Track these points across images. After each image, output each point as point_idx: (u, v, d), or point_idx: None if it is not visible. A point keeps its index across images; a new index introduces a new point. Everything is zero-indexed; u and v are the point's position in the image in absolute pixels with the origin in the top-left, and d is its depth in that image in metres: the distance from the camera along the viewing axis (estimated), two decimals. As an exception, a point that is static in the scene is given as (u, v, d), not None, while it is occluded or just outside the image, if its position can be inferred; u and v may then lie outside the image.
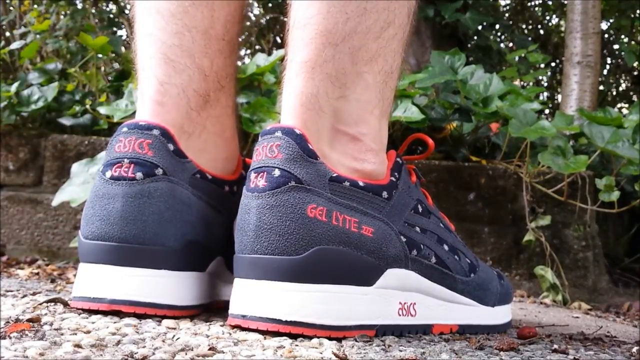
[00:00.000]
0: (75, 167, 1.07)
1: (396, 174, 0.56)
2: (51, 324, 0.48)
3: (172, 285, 0.53)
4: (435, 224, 0.59)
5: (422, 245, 0.55)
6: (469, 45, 2.69)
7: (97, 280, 0.52)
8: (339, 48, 0.52)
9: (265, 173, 0.49)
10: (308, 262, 0.48)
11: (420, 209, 0.57)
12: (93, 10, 2.26)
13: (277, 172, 0.49)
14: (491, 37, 2.80)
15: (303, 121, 0.52)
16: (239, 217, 0.50)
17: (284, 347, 0.45)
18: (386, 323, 0.53)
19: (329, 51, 0.52)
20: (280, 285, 0.48)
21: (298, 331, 0.48)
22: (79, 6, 2.12)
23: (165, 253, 0.52)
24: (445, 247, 0.58)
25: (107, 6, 2.69)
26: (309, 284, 0.48)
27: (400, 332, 0.54)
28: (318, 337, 0.48)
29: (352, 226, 0.50)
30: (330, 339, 0.49)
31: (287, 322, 0.48)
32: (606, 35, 3.70)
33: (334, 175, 0.50)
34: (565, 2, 2.59)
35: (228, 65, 0.62)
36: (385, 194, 0.53)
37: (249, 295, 0.49)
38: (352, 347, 0.47)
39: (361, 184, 0.52)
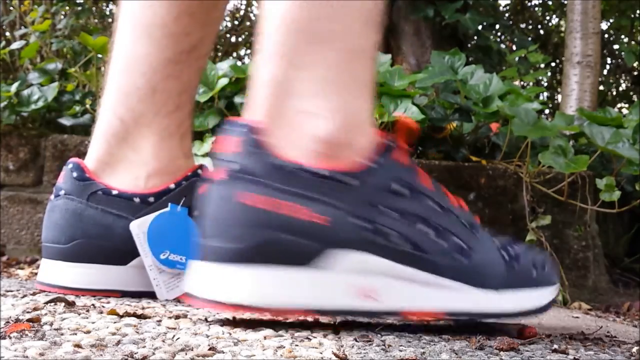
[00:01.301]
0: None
1: (374, 156, 0.54)
2: (51, 324, 0.48)
3: (66, 272, 0.71)
4: (423, 204, 0.56)
5: (389, 229, 0.54)
6: (469, 45, 2.69)
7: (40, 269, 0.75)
8: (302, 33, 0.54)
9: (217, 166, 0.54)
10: (248, 249, 0.51)
11: (401, 191, 0.55)
12: (93, 9, 2.26)
13: (225, 164, 0.53)
14: (491, 37, 2.80)
15: (267, 108, 0.54)
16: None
17: (284, 347, 0.45)
18: (337, 308, 0.53)
19: (292, 37, 0.54)
20: (223, 268, 0.52)
21: (240, 311, 0.52)
22: (80, 7, 2.12)
23: (60, 249, 0.72)
24: (426, 229, 0.55)
25: (107, 6, 2.69)
26: (249, 268, 0.52)
27: (364, 317, 0.56)
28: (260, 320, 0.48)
29: (299, 214, 0.51)
30: (330, 334, 0.49)
31: (228, 304, 0.51)
32: (606, 36, 3.71)
33: (283, 162, 0.52)
34: (565, 2, 2.59)
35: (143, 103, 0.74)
36: (347, 179, 0.53)
37: (197, 277, 0.54)
38: (352, 347, 0.47)
39: (319, 171, 0.52)
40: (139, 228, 0.70)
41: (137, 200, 0.73)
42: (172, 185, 0.74)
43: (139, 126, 0.73)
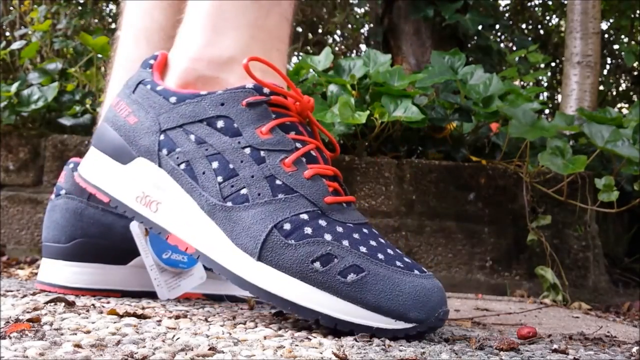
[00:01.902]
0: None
1: (219, 92, 0.58)
2: (51, 324, 0.48)
3: (66, 271, 0.72)
4: (232, 146, 0.56)
5: (176, 150, 0.57)
6: (469, 45, 2.69)
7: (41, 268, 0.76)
8: None
9: None
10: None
11: (221, 126, 0.57)
12: (94, 10, 2.26)
13: None
14: (491, 37, 2.81)
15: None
16: None
17: (284, 347, 0.45)
18: (122, 201, 0.60)
19: None
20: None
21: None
22: (81, 7, 2.12)
23: (60, 249, 0.72)
24: (215, 165, 0.56)
25: (107, 6, 2.69)
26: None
27: (134, 217, 0.59)
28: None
29: (123, 114, 0.61)
30: (330, 334, 0.49)
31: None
32: (606, 36, 3.71)
33: (151, 82, 0.61)
34: (565, 2, 2.59)
35: None
36: (173, 99, 0.59)
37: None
38: (352, 347, 0.47)
39: (157, 87, 0.61)
40: (139, 228, 0.70)
41: None
42: None
43: None
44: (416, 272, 0.53)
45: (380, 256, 0.53)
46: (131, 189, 0.60)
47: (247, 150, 0.56)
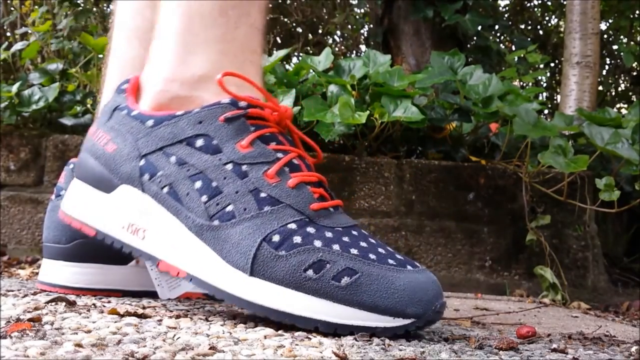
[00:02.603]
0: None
1: (196, 110, 0.57)
2: (52, 324, 0.48)
3: (67, 272, 0.72)
4: (214, 163, 0.55)
5: (158, 174, 0.57)
6: (469, 46, 2.69)
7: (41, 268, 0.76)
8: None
9: None
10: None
11: (200, 145, 0.56)
12: (94, 10, 2.26)
13: None
14: (490, 37, 2.81)
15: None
16: None
17: (284, 347, 0.45)
18: (108, 232, 0.60)
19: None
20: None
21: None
22: (81, 8, 2.12)
23: (60, 249, 0.73)
24: (199, 185, 0.55)
25: (108, 7, 2.69)
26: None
27: (122, 247, 0.59)
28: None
29: (102, 142, 0.61)
30: (330, 334, 0.49)
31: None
32: (605, 36, 3.71)
33: (126, 107, 0.61)
34: (565, 2, 2.59)
35: None
36: (150, 122, 0.59)
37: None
38: (352, 346, 0.47)
39: (132, 112, 0.60)
40: None
41: None
42: None
43: None
44: (409, 267, 0.53)
45: (372, 256, 0.53)
46: (116, 218, 0.59)
47: (229, 166, 0.55)
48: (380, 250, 0.54)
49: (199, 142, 0.56)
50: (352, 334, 0.51)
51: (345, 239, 0.54)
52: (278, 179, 0.55)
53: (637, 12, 3.48)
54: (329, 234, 0.54)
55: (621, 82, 4.08)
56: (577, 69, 2.05)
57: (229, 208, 0.54)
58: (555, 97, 3.77)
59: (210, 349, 0.43)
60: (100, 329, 0.47)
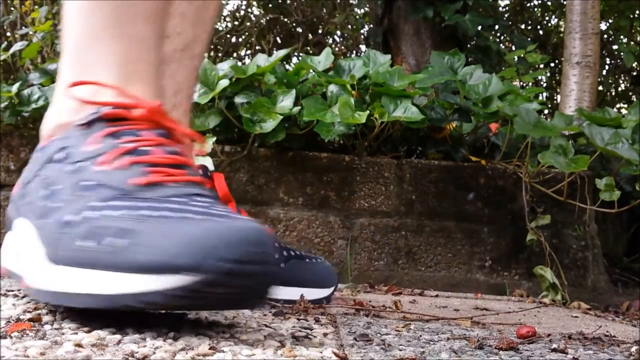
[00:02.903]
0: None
1: (66, 129, 0.57)
2: (52, 324, 0.48)
3: None
4: (62, 169, 0.55)
5: (26, 195, 0.58)
6: (469, 46, 2.69)
7: None
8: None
9: None
10: None
11: (59, 157, 0.56)
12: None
13: None
14: (490, 37, 2.81)
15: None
16: None
17: (284, 347, 0.45)
18: (9, 267, 0.58)
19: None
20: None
21: None
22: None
23: None
24: (46, 193, 0.55)
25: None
26: None
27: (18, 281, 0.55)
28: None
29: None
30: (330, 334, 0.49)
31: None
32: (605, 36, 3.71)
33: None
34: (565, 2, 2.59)
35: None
36: (37, 154, 0.60)
37: None
38: (352, 346, 0.47)
39: (37, 148, 0.62)
40: None
41: None
42: None
43: None
44: (217, 218, 0.44)
45: (165, 213, 0.46)
46: (10, 250, 0.59)
47: (69, 167, 0.54)
48: (196, 209, 0.46)
49: (60, 155, 0.56)
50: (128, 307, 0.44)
51: (153, 204, 0.48)
52: (107, 166, 0.52)
53: (637, 12, 3.48)
54: (134, 203, 0.48)
55: (621, 82, 4.08)
56: (577, 69, 2.05)
57: (54, 205, 0.53)
58: (555, 97, 3.77)
59: (210, 349, 0.43)
60: (100, 329, 0.47)
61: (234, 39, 3.75)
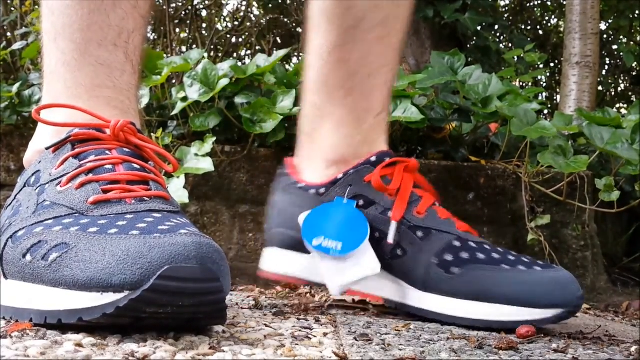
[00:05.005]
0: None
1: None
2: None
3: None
4: (29, 192, 0.55)
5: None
6: (468, 46, 2.69)
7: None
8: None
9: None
10: None
11: (31, 181, 0.57)
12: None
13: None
14: (490, 37, 2.81)
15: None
16: None
17: (285, 346, 0.45)
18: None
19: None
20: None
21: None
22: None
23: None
24: (11, 212, 0.55)
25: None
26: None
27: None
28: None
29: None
30: (330, 333, 0.49)
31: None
32: (605, 36, 3.71)
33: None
34: (564, 2, 2.59)
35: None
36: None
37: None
38: (352, 346, 0.47)
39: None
40: (300, 220, 0.71)
41: (312, 192, 0.75)
42: (340, 175, 0.75)
43: None
44: (158, 235, 0.43)
45: (111, 230, 0.45)
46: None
47: (37, 190, 0.55)
48: (140, 225, 0.46)
49: (30, 180, 0.58)
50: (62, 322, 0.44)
51: (100, 221, 0.48)
52: (68, 186, 0.53)
53: (637, 12, 3.48)
54: (83, 220, 0.48)
55: (621, 82, 4.08)
56: (576, 69, 2.06)
57: (13, 222, 0.53)
58: (555, 97, 3.77)
59: (210, 348, 0.43)
60: (101, 328, 0.47)
61: (234, 39, 3.75)
